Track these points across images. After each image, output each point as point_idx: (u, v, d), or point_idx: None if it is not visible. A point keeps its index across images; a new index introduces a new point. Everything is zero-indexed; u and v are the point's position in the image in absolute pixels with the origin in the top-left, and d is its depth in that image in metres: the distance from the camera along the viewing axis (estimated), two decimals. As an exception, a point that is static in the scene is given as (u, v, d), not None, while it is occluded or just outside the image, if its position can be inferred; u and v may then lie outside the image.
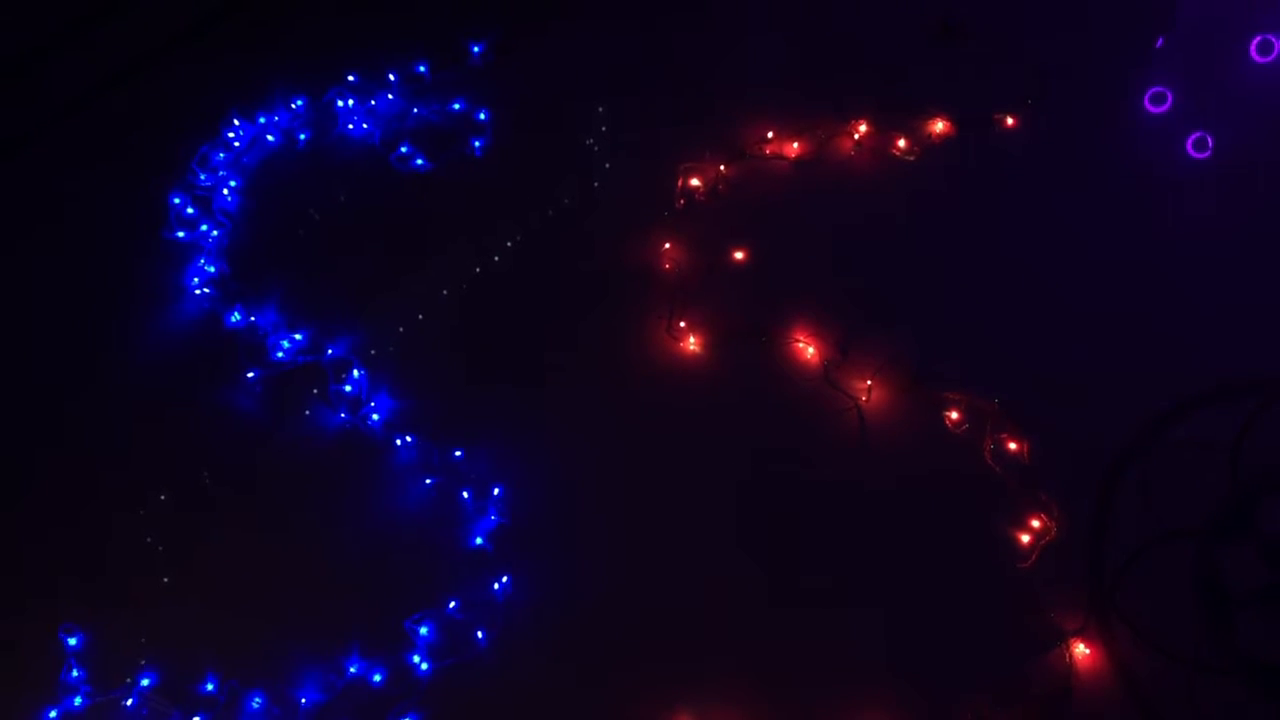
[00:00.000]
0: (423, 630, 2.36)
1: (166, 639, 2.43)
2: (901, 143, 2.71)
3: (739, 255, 2.67)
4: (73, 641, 2.41)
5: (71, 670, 2.38)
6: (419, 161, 2.86)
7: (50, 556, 2.54)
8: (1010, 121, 2.69)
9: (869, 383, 2.49)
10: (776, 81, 2.83)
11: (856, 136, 2.73)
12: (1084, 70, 2.75)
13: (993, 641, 2.26)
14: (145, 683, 2.38)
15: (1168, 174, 2.64)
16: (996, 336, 2.52)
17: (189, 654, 2.40)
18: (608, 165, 2.82)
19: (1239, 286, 2.51)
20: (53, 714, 2.35)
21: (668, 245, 2.69)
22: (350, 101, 2.92)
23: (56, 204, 2.93)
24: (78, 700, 2.37)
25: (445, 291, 2.74)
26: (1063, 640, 2.23)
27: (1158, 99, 2.68)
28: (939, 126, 2.71)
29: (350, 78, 2.93)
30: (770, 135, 2.76)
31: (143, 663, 2.41)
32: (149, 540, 2.53)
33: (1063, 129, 2.70)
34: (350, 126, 2.92)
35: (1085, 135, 2.70)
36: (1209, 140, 2.62)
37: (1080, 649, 2.23)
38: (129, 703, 2.37)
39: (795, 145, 2.75)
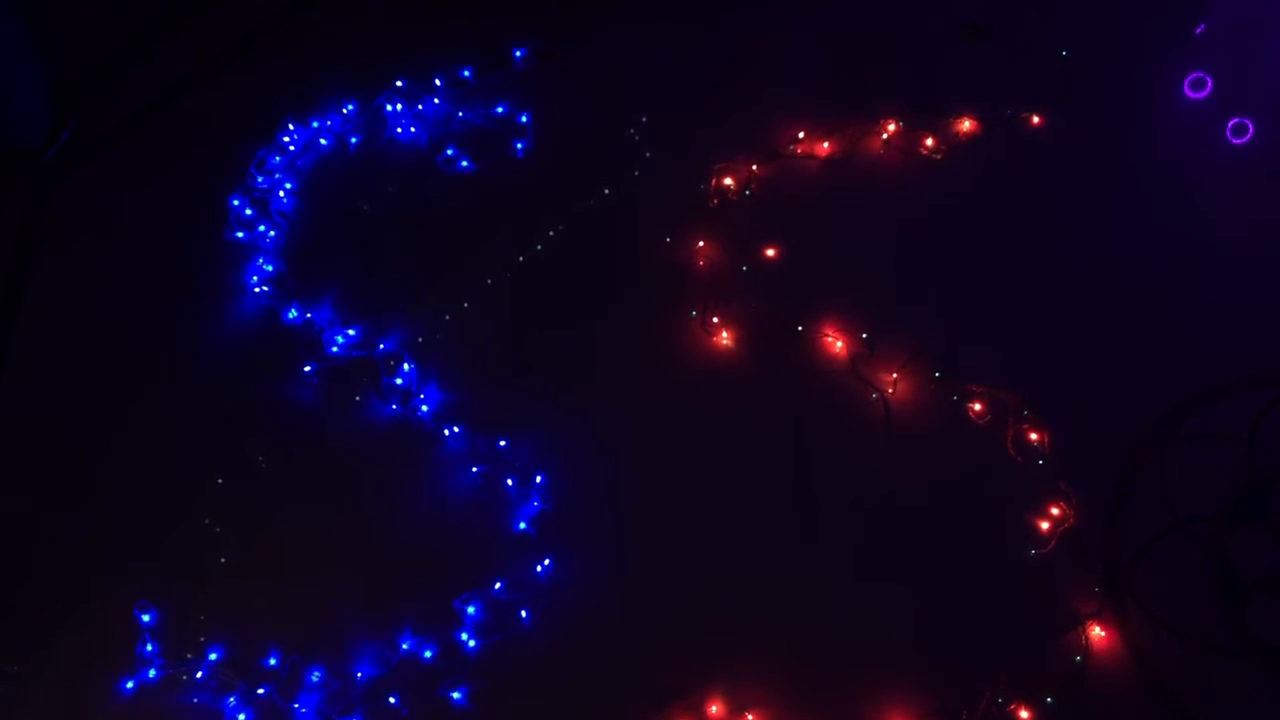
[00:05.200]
0: (470, 609, 2.42)
1: (233, 616, 2.50)
2: (929, 141, 2.75)
3: (770, 252, 2.71)
4: (146, 618, 2.47)
5: (146, 645, 2.44)
6: (464, 163, 2.92)
7: (125, 540, 2.59)
8: (1036, 120, 2.73)
9: (895, 375, 2.54)
10: (807, 83, 2.87)
11: (885, 136, 2.77)
12: (1121, 59, 2.75)
13: (1012, 624, 2.31)
14: (213, 656, 2.44)
15: (1206, 160, 2.63)
16: (1020, 330, 2.56)
17: (254, 630, 2.46)
18: (648, 155, 2.87)
19: (1268, 276, 2.52)
20: (129, 684, 2.43)
21: (702, 243, 2.73)
22: (399, 106, 2.98)
23: (125, 209, 2.97)
24: (152, 672, 2.43)
25: (490, 281, 2.79)
26: (1079, 623, 2.28)
27: (1197, 84, 2.66)
28: (966, 125, 2.75)
29: (399, 83, 3.00)
30: (801, 135, 2.80)
31: (210, 638, 2.47)
32: (214, 523, 2.58)
33: (1098, 119, 2.71)
34: (399, 130, 2.98)
35: (1122, 124, 2.71)
36: (1249, 125, 2.61)
37: (1096, 631, 2.27)
38: (198, 674, 2.43)
39: (825, 145, 2.79)
